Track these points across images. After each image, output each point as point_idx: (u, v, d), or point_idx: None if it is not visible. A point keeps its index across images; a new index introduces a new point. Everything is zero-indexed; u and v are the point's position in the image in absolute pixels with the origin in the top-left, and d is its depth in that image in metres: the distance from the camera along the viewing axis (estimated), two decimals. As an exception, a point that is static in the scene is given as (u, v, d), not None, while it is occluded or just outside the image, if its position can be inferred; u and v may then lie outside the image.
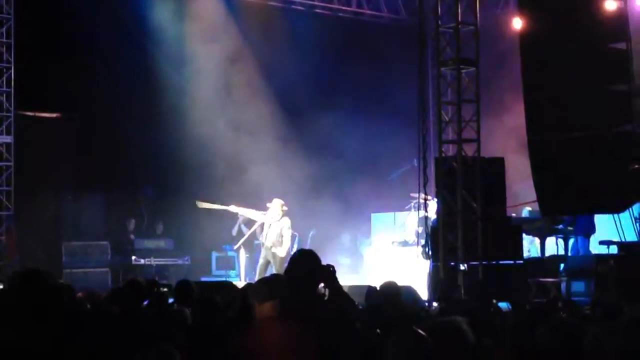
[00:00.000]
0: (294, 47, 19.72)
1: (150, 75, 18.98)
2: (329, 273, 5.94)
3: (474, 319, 5.76)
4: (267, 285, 6.13)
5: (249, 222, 18.55)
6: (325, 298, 6.08)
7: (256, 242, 18.64)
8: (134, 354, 5.08)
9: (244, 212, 18.13)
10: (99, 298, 9.57)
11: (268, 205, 17.41)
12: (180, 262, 19.88)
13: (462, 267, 14.36)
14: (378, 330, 6.52)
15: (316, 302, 5.80)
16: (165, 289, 9.91)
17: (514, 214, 16.55)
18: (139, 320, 7.07)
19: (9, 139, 17.57)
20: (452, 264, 14.49)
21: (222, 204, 18.43)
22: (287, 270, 5.93)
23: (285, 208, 17.32)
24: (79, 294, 10.90)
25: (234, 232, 19.76)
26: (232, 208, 18.26)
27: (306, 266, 5.85)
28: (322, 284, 6.06)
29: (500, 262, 14.63)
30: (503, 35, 18.69)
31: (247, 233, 18.31)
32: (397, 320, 7.44)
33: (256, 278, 15.74)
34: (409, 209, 18.37)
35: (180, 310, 7.33)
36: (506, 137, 18.66)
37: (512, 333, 6.94)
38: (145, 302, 7.92)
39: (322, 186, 19.60)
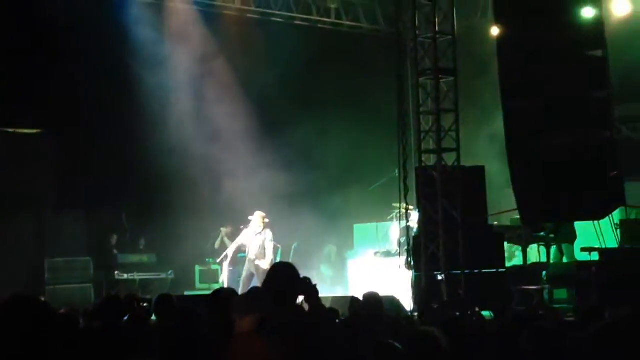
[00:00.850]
0: (273, 59, 19.74)
1: (131, 91, 18.91)
2: (307, 285, 5.93)
3: (451, 329, 5.78)
4: (247, 300, 6.12)
5: (232, 235, 18.53)
6: (305, 311, 6.08)
7: (240, 255, 18.60)
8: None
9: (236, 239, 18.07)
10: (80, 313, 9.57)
11: (250, 217, 17.39)
12: (163, 276, 19.84)
13: (439, 277, 14.39)
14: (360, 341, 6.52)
15: (295, 314, 5.79)
16: (146, 304, 9.90)
17: (496, 222, 16.59)
18: (119, 335, 7.06)
19: (-12, 155, 17.53)
20: (434, 273, 14.51)
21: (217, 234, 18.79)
22: (264, 283, 5.92)
23: (266, 220, 17.30)
24: (62, 311, 10.87)
25: (217, 245, 19.76)
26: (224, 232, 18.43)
27: (284, 279, 5.84)
28: (301, 297, 6.05)
29: (483, 270, 14.66)
30: (482, 44, 18.73)
31: (230, 246, 18.27)
32: (379, 330, 7.45)
33: (240, 291, 15.70)
34: (391, 220, 18.37)
35: (160, 324, 7.32)
36: (488, 145, 18.73)
37: (495, 341, 6.97)
38: (126, 317, 7.88)
39: (303, 198, 19.60)
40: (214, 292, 7.30)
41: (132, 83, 18.88)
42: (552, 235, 15.94)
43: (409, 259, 15.38)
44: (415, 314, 13.27)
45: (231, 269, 18.56)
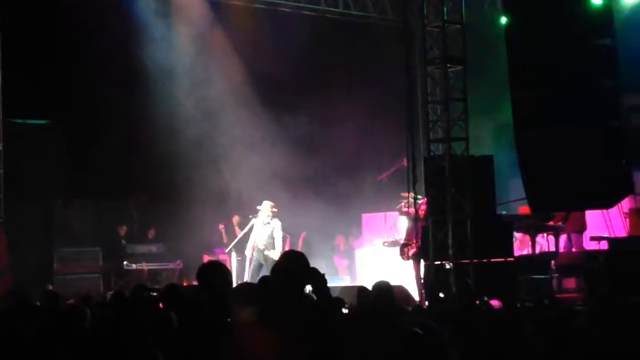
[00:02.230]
0: (281, 49, 19.67)
1: (139, 81, 18.92)
2: (316, 275, 5.89)
3: (459, 318, 5.78)
4: (247, 290, 6.09)
5: (240, 225, 18.54)
6: (314, 299, 6.05)
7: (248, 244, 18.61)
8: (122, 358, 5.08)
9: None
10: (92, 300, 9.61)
11: (258, 207, 17.39)
12: (172, 266, 19.87)
13: (447, 266, 14.37)
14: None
15: (301, 305, 5.76)
16: (155, 294, 9.90)
17: (504, 212, 16.56)
18: (127, 326, 7.06)
19: (-2, 146, 17.55)
20: (442, 262, 14.49)
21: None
22: (272, 272, 5.89)
23: (275, 210, 17.30)
24: (71, 300, 10.89)
25: (225, 235, 19.78)
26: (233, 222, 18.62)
27: (293, 267, 5.82)
28: (309, 286, 6.02)
29: (491, 259, 14.63)
30: (491, 32, 18.64)
31: (239, 236, 18.28)
32: (389, 318, 7.43)
33: (248, 281, 15.73)
34: (400, 209, 18.34)
35: (167, 314, 7.30)
36: (496, 134, 18.67)
37: (502, 330, 6.97)
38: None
39: (311, 187, 19.59)
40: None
41: (142, 75, 18.88)
42: (561, 224, 15.92)
43: (404, 249, 15.44)
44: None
45: (239, 258, 18.58)
